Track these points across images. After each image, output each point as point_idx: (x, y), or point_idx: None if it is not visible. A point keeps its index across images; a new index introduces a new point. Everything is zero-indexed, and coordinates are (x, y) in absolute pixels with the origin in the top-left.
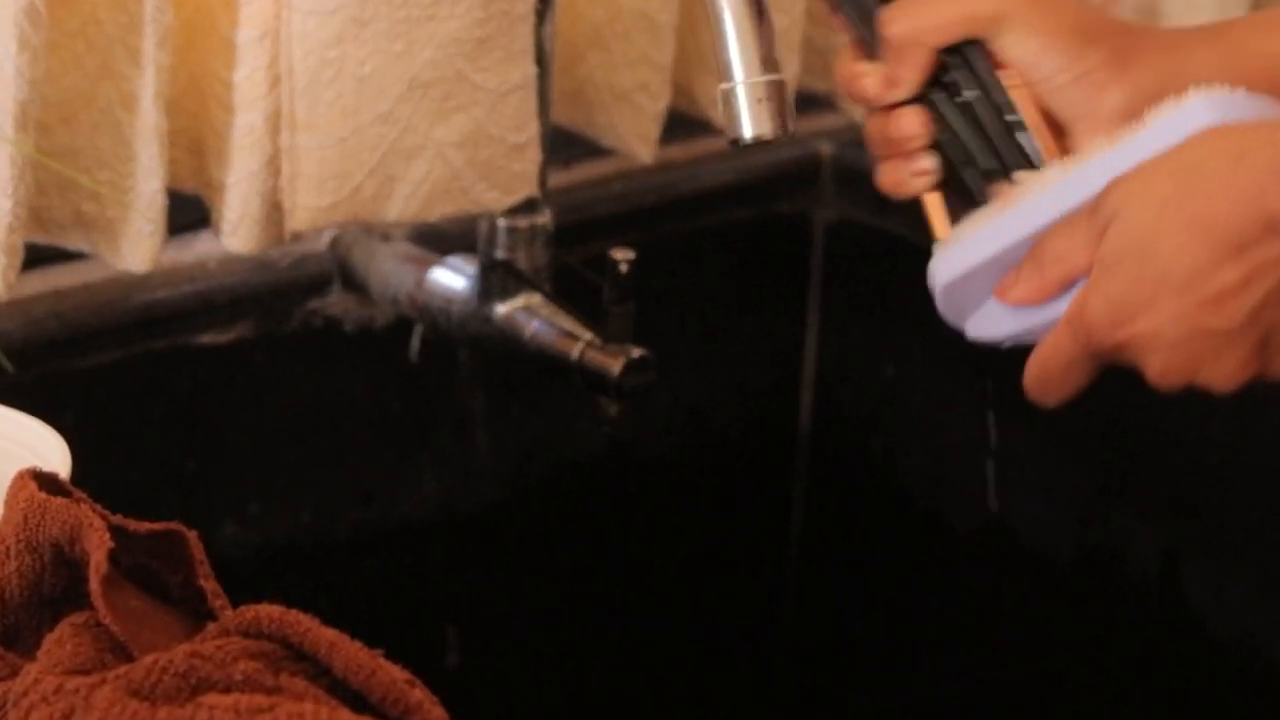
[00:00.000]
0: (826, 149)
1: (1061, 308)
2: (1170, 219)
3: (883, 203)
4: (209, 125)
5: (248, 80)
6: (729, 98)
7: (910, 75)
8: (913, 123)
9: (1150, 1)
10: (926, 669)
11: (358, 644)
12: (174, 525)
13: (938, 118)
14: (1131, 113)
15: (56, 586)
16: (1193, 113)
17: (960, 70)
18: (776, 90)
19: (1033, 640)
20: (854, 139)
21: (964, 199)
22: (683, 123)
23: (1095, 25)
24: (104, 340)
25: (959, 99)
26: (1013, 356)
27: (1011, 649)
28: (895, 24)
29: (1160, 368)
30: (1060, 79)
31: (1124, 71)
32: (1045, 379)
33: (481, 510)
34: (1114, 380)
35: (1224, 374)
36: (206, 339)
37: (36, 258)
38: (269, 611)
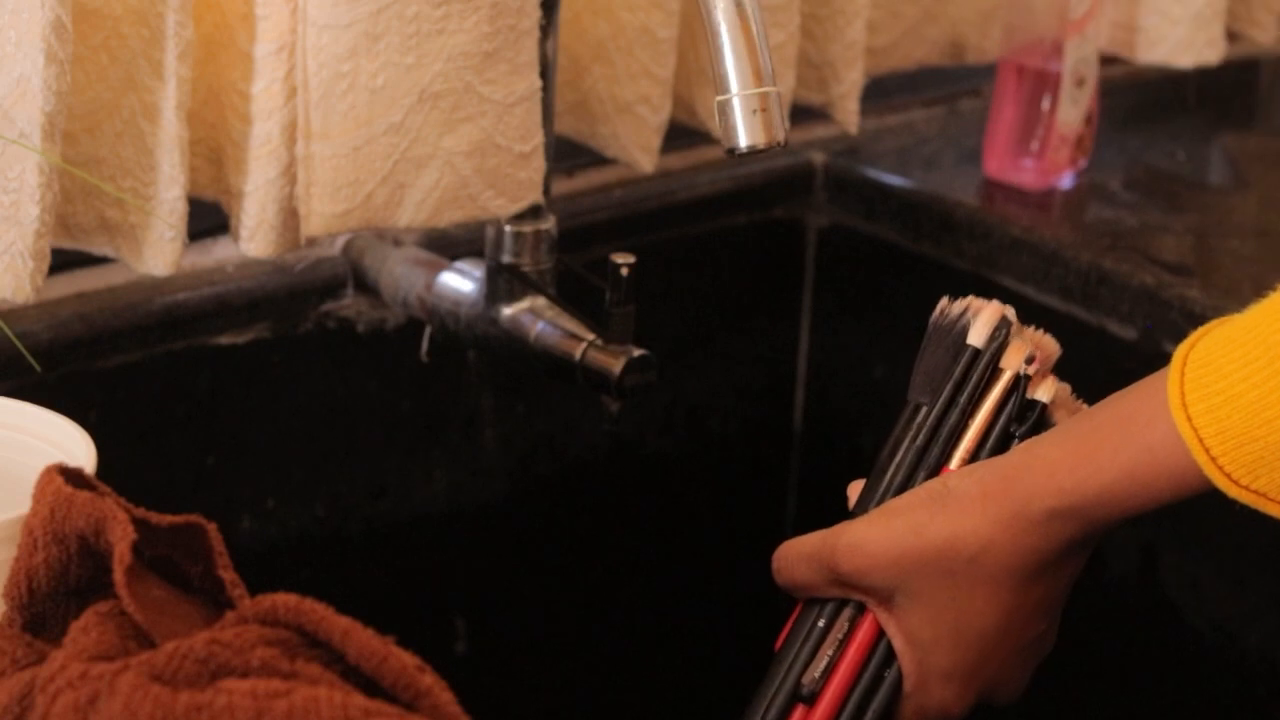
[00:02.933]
0: (819, 158)
1: None
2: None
3: (873, 209)
4: (227, 135)
5: (265, 92)
6: (726, 109)
7: None
8: None
9: (1129, 18)
10: None
11: (370, 631)
12: (194, 518)
13: None
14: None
15: (82, 577)
16: None
17: None
18: (771, 102)
19: None
20: (845, 149)
21: None
22: (682, 133)
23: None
24: (127, 341)
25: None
26: None
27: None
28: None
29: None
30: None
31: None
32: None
33: (489, 504)
34: (1100, 388)
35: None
36: (225, 340)
37: (62, 262)
38: (285, 600)
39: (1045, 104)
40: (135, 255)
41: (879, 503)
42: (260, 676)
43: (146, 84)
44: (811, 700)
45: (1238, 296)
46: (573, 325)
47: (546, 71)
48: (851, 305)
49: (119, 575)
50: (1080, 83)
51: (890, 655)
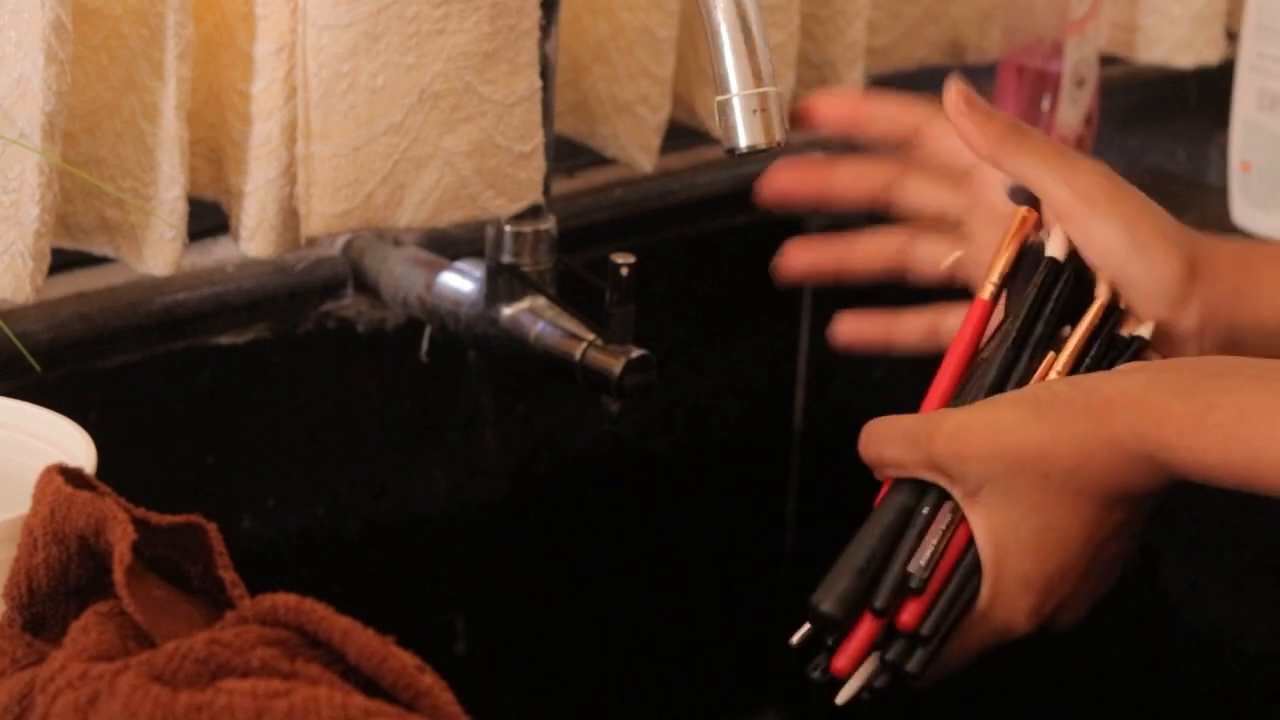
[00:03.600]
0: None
1: None
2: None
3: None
4: (227, 135)
5: (265, 92)
6: (726, 109)
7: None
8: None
9: (1129, 18)
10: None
11: (370, 631)
12: (194, 518)
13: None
14: (1202, 329)
15: (82, 577)
16: None
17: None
18: (771, 102)
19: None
20: (845, 148)
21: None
22: (682, 133)
23: (1174, 232)
24: (127, 341)
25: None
26: None
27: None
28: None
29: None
30: (1141, 285)
31: (1197, 284)
32: None
33: (489, 504)
34: None
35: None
36: (225, 340)
37: (62, 262)
38: (285, 600)
39: (1045, 104)
40: (135, 255)
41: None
42: (260, 676)
43: (146, 84)
44: (920, 591)
45: None
46: (573, 325)
47: (546, 71)
48: (851, 305)
49: (119, 575)
50: (1080, 83)
51: (976, 558)
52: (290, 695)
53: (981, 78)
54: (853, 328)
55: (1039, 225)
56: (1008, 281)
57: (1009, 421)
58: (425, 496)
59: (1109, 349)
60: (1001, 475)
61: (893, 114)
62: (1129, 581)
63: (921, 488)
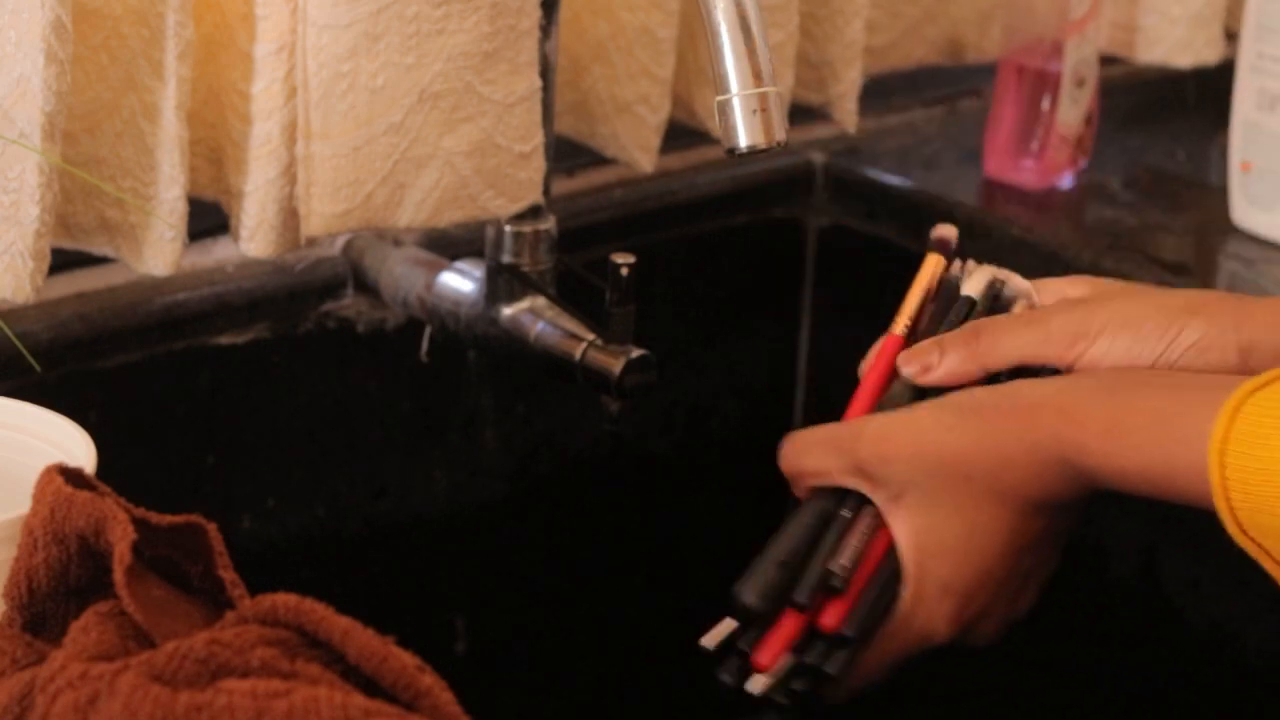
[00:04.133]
0: (819, 157)
1: None
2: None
3: (873, 209)
4: (227, 135)
5: (265, 92)
6: (725, 109)
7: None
8: None
9: (1129, 18)
10: (917, 660)
11: (370, 631)
12: (194, 518)
13: None
14: (1247, 367)
15: (82, 577)
16: None
17: None
18: (771, 102)
19: (1019, 630)
20: (845, 149)
21: None
22: (682, 133)
23: (1185, 298)
24: (127, 341)
25: None
26: None
27: (1000, 640)
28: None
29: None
30: (1168, 356)
31: (1233, 332)
32: None
33: (489, 504)
34: None
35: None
36: (225, 340)
37: (63, 262)
38: (285, 600)
39: (1045, 104)
40: (135, 255)
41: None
42: (260, 676)
43: (146, 84)
44: (842, 589)
45: None
46: (573, 325)
47: (546, 71)
48: (851, 304)
49: (119, 575)
50: (1080, 83)
51: (897, 563)
52: (290, 695)
53: (981, 78)
54: None
55: (947, 268)
56: (927, 320)
57: (931, 424)
58: (425, 496)
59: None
60: (924, 478)
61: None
62: (1129, 583)
63: (842, 494)
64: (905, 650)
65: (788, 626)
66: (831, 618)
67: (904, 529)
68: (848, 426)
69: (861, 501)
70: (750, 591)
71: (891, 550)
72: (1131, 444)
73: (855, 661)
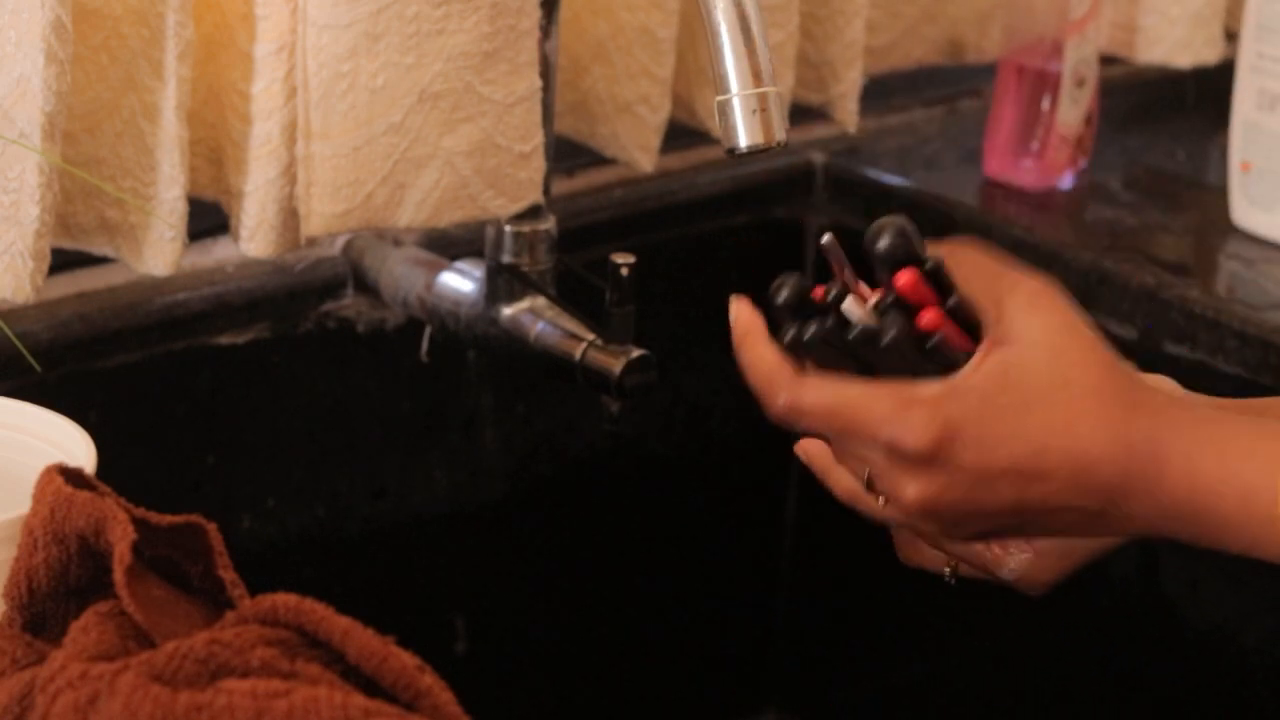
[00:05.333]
0: (819, 157)
1: None
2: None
3: (873, 209)
4: (227, 135)
5: (265, 92)
6: (726, 109)
7: None
8: None
9: (1129, 18)
10: (917, 660)
11: (370, 632)
12: (194, 518)
13: None
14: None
15: (82, 577)
16: None
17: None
18: (771, 102)
19: (1019, 629)
20: (845, 149)
21: None
22: (682, 133)
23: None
24: (127, 341)
25: None
26: None
27: (1000, 640)
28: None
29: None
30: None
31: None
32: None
33: (488, 504)
34: None
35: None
36: (225, 340)
37: (63, 262)
38: (285, 600)
39: (1045, 104)
40: (135, 255)
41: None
42: (260, 676)
43: (146, 84)
44: (952, 313)
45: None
46: (573, 325)
47: (546, 71)
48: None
49: (119, 575)
50: (1080, 83)
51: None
52: (290, 695)
53: (981, 78)
54: None
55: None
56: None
57: (1089, 337)
58: (425, 496)
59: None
60: (1046, 352)
61: None
62: (1129, 581)
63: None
64: (874, 409)
65: (919, 285)
66: (930, 320)
67: (993, 364)
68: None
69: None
70: (894, 226)
71: (965, 359)
72: (1215, 522)
73: (896, 345)
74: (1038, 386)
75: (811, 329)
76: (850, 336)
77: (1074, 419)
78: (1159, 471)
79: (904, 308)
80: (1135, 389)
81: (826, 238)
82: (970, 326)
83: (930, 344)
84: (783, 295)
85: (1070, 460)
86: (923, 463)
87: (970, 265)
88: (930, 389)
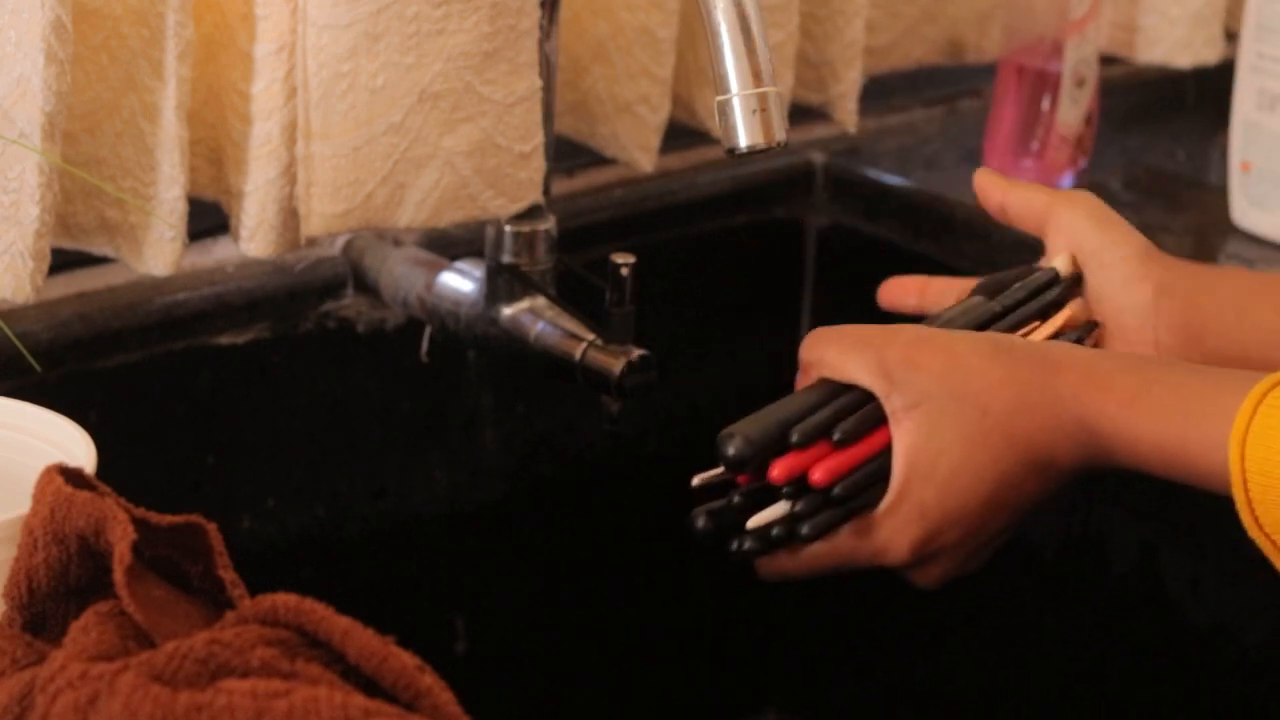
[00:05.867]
0: (819, 158)
1: None
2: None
3: (873, 209)
4: (227, 135)
5: (265, 92)
6: (725, 109)
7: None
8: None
9: (1129, 18)
10: (917, 660)
11: (370, 631)
12: (194, 518)
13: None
14: (1158, 311)
15: (82, 577)
16: None
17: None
18: (771, 102)
19: (1019, 628)
20: (845, 149)
21: None
22: (682, 133)
23: (1136, 233)
24: (127, 341)
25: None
26: None
27: (1000, 637)
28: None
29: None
30: (1103, 257)
31: (1154, 265)
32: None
33: (488, 504)
34: None
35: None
36: (225, 340)
37: (63, 262)
38: (285, 600)
39: (1045, 104)
40: (135, 255)
41: None
42: (260, 676)
43: (146, 84)
44: (842, 444)
45: None
46: (573, 325)
47: (547, 72)
48: (851, 304)
49: (119, 575)
50: (1080, 83)
51: (885, 468)
52: (290, 695)
53: (981, 78)
54: (893, 292)
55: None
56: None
57: (965, 348)
58: (425, 496)
59: None
60: (943, 396)
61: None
62: (1129, 581)
63: (848, 389)
64: (856, 557)
65: (788, 461)
66: (823, 474)
67: (906, 439)
68: (882, 329)
69: (867, 398)
70: (743, 436)
71: (884, 453)
72: (1151, 415)
73: (829, 529)
74: (957, 434)
75: (748, 544)
76: (776, 538)
77: (1008, 434)
78: (1108, 448)
79: (800, 485)
80: (1046, 383)
81: (696, 480)
82: (869, 418)
83: (836, 492)
84: (700, 529)
85: (1033, 466)
86: (918, 562)
87: (836, 351)
88: (881, 512)
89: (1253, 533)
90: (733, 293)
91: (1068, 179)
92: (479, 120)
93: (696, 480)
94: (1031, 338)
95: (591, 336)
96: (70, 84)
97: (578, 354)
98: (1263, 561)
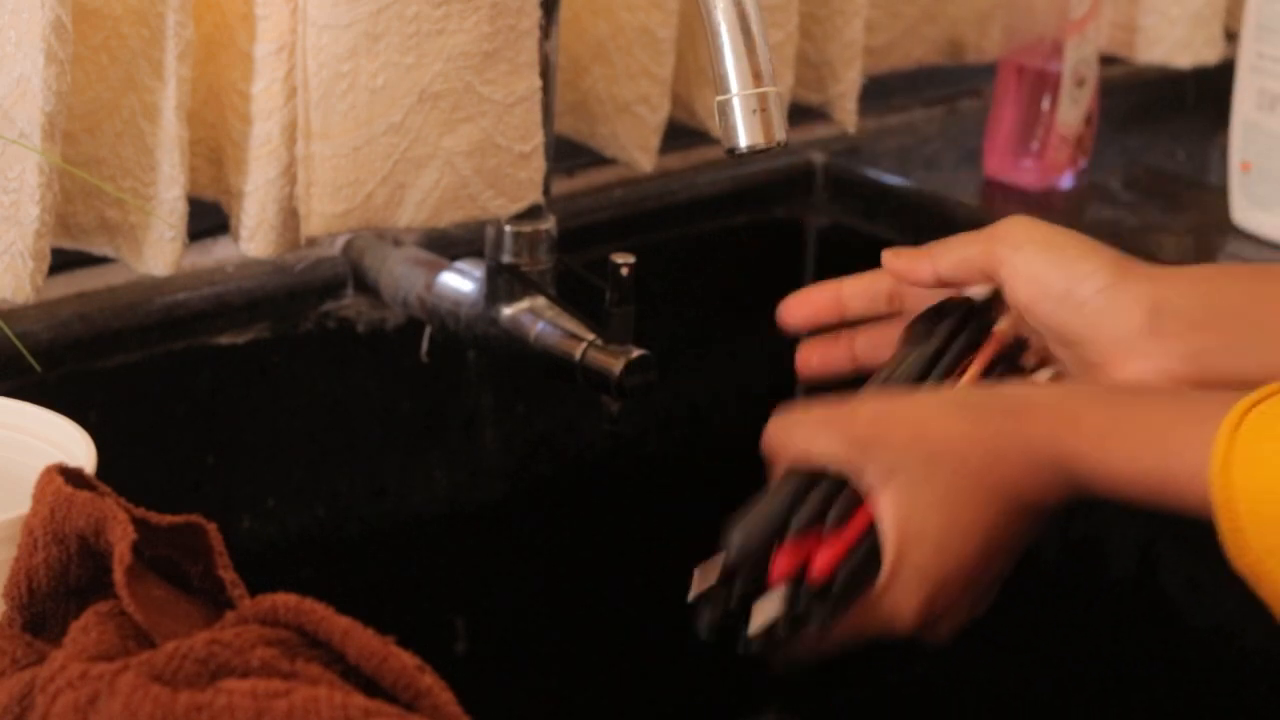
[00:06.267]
0: (819, 157)
1: None
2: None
3: (873, 209)
4: (227, 135)
5: (265, 92)
6: (725, 109)
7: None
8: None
9: (1129, 18)
10: (917, 660)
11: (370, 631)
12: (194, 518)
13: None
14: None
15: (82, 577)
16: None
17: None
18: (771, 102)
19: (1018, 629)
20: (845, 149)
21: None
22: (682, 133)
23: (1115, 254)
24: (127, 341)
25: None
26: None
27: (999, 637)
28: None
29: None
30: (1078, 292)
31: (1146, 284)
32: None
33: (488, 504)
34: None
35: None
36: (225, 340)
37: (63, 262)
38: (285, 600)
39: (1045, 104)
40: (135, 255)
41: None
42: (260, 676)
43: (146, 84)
44: (836, 527)
45: None
46: (573, 325)
47: (547, 71)
48: None
49: (119, 575)
50: (1080, 83)
51: (876, 545)
52: (290, 695)
53: (981, 78)
54: (802, 315)
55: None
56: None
57: (930, 412)
58: (425, 496)
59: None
60: (917, 463)
61: (862, 288)
62: (1129, 581)
63: (821, 475)
64: (867, 630)
65: (792, 552)
66: (820, 568)
67: (889, 511)
68: (843, 408)
69: (841, 484)
70: (740, 534)
71: (871, 530)
72: (1126, 449)
73: (834, 617)
74: (937, 496)
75: (754, 648)
76: (782, 637)
77: (992, 483)
78: (1088, 485)
79: (796, 581)
80: (1017, 430)
81: (692, 596)
82: (850, 501)
83: (836, 587)
84: (704, 627)
85: (1019, 512)
86: (928, 626)
87: (800, 437)
88: (881, 586)
89: (1236, 564)
90: (733, 293)
91: (1068, 179)
92: (479, 120)
93: (692, 595)
94: (970, 370)
95: (591, 336)
96: (70, 84)
97: (578, 354)
98: None
